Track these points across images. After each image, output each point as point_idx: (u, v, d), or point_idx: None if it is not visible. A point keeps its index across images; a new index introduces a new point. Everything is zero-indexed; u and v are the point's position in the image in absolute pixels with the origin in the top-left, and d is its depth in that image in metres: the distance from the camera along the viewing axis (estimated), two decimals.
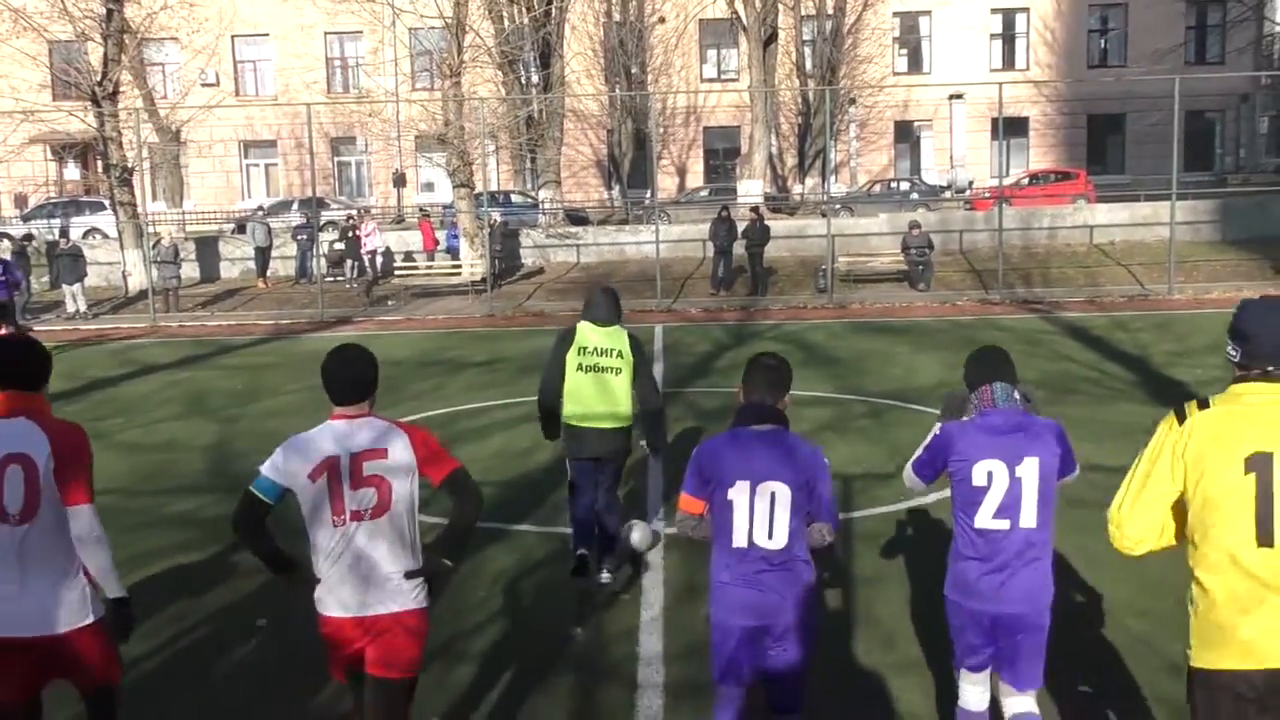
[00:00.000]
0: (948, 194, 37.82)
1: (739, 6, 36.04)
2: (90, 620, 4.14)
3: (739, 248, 26.25)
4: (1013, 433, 4.41)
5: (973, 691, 4.61)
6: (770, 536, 4.30)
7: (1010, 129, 39.31)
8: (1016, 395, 4.46)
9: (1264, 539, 3.37)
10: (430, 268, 29.12)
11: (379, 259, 28.89)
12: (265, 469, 4.28)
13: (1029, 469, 4.39)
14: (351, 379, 4.44)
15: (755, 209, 27.82)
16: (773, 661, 4.39)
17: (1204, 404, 3.62)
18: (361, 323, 23.84)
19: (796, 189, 41.91)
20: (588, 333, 7.03)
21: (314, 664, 6.08)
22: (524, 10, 32.89)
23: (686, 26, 43.87)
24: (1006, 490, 4.36)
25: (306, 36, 43.28)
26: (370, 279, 27.69)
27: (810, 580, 4.41)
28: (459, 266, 28.20)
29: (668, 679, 5.77)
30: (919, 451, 4.60)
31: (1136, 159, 42.73)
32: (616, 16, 42.67)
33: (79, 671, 4.18)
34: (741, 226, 26.27)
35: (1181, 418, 3.59)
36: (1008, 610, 4.38)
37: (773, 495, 4.29)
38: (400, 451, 4.39)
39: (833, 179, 37.07)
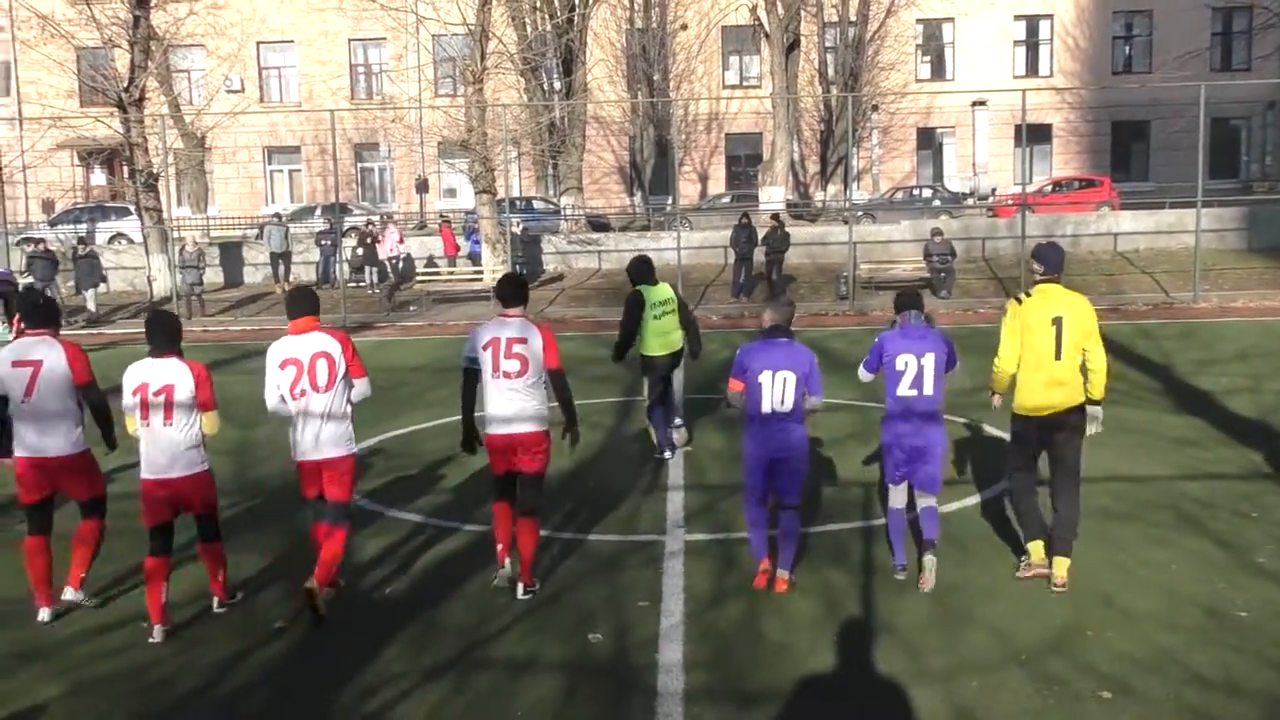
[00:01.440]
0: (970, 201, 37.66)
1: (761, 13, 36.02)
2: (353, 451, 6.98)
3: (759, 254, 26.20)
4: (919, 339, 7.15)
5: (897, 495, 7.37)
6: (783, 404, 7.00)
7: (1033, 136, 39.16)
8: (922, 317, 7.23)
9: (1057, 355, 6.87)
10: (452, 273, 29.18)
11: (400, 264, 28.97)
12: (466, 351, 7.21)
13: (929, 360, 7.09)
14: (515, 292, 7.28)
15: (776, 216, 27.77)
16: (780, 477, 7.11)
17: (1028, 294, 7.07)
18: (383, 328, 23.92)
19: (818, 195, 41.84)
20: (649, 292, 10.36)
21: (332, 666, 6.10)
22: (546, 17, 32.97)
23: (709, 33, 43.86)
24: (916, 373, 7.08)
25: (330, 43, 43.52)
26: (392, 284, 27.77)
27: (804, 432, 7.19)
28: (480, 272, 28.25)
29: (688, 687, 5.75)
30: (867, 356, 7.36)
31: (1161, 166, 42.43)
32: (639, 23, 42.71)
33: (336, 484, 6.82)
34: (762, 233, 26.23)
35: (1019, 303, 7.06)
36: (917, 444, 7.15)
37: (785, 379, 6.98)
38: (534, 340, 7.05)
39: (855, 186, 37.00)
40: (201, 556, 6.99)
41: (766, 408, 6.97)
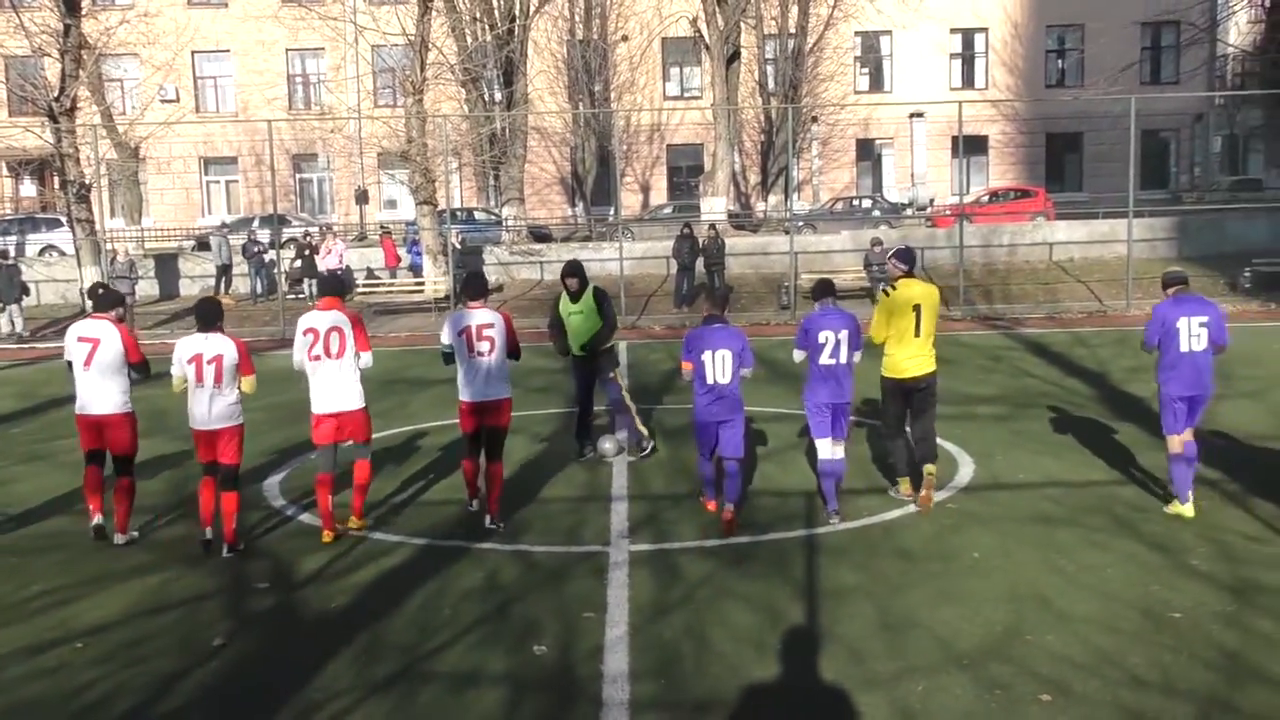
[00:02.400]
0: (909, 211, 38.09)
1: (702, 25, 36.18)
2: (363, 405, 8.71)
3: (700, 265, 26.31)
4: (835, 317, 8.71)
5: (825, 446, 8.81)
6: (723, 377, 8.57)
7: (970, 147, 39.72)
8: (833, 303, 8.90)
9: (916, 333, 8.78)
10: (393, 285, 28.97)
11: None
12: (442, 337, 9.02)
13: (843, 335, 8.62)
14: (480, 288, 9.15)
15: (713, 226, 27.92)
16: (723, 436, 8.68)
17: (893, 287, 8.92)
18: None
19: (760, 206, 42.09)
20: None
21: (274, 682, 6.01)
22: (487, 28, 32.89)
23: (649, 45, 44.00)
24: (834, 345, 8.60)
25: (267, 53, 43.03)
26: None
27: (740, 399, 8.73)
28: (422, 284, 28.07)
29: (633, 697, 5.74)
30: (797, 336, 8.89)
31: (1094, 177, 43.26)
32: (580, 35, 42.75)
33: (357, 431, 8.69)
34: (702, 243, 26.35)
35: (888, 294, 8.91)
36: (835, 401, 8.69)
37: (723, 357, 8.55)
38: (499, 325, 8.87)
39: (795, 196, 37.29)
40: (223, 501, 8.41)
41: (710, 381, 8.57)
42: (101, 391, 8.62)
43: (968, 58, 45.76)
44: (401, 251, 30.90)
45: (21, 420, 14.60)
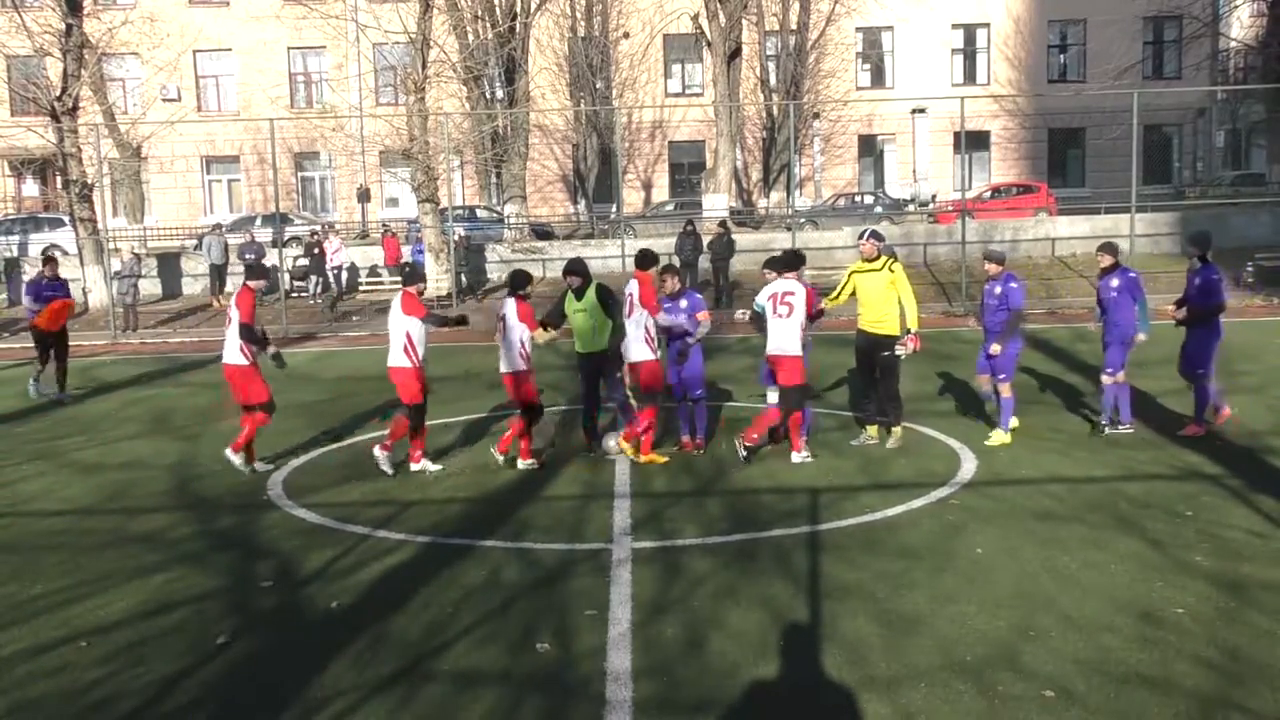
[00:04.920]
0: (911, 207, 38.09)
1: (703, 22, 36.18)
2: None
3: (704, 261, 26.29)
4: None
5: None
6: (680, 336, 10.79)
7: (972, 143, 39.76)
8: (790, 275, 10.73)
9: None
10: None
11: (344, 274, 28.72)
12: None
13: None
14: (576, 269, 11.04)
15: (722, 222, 27.91)
16: (684, 376, 10.92)
17: (861, 269, 11.01)
18: (326, 339, 23.69)
19: (761, 203, 42.09)
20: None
21: (277, 681, 6.02)
22: (489, 26, 32.88)
23: (651, 42, 43.99)
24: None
25: (269, 52, 43.06)
26: (335, 295, 27.52)
27: (699, 351, 11.00)
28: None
29: (636, 695, 5.74)
30: (759, 299, 10.82)
31: (1096, 172, 43.24)
32: (581, 32, 42.73)
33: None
34: (707, 240, 26.32)
35: (851, 274, 11.13)
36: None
37: (682, 321, 10.77)
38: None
39: (797, 193, 37.26)
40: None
41: (676, 344, 10.90)
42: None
43: (969, 53, 45.71)
44: (405, 249, 30.90)
45: (27, 419, 14.62)
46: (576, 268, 11.06)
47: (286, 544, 8.55)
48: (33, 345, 16.48)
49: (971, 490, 9.45)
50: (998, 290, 11.19)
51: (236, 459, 10.86)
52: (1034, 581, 7.16)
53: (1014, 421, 11.23)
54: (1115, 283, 11.32)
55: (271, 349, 11.12)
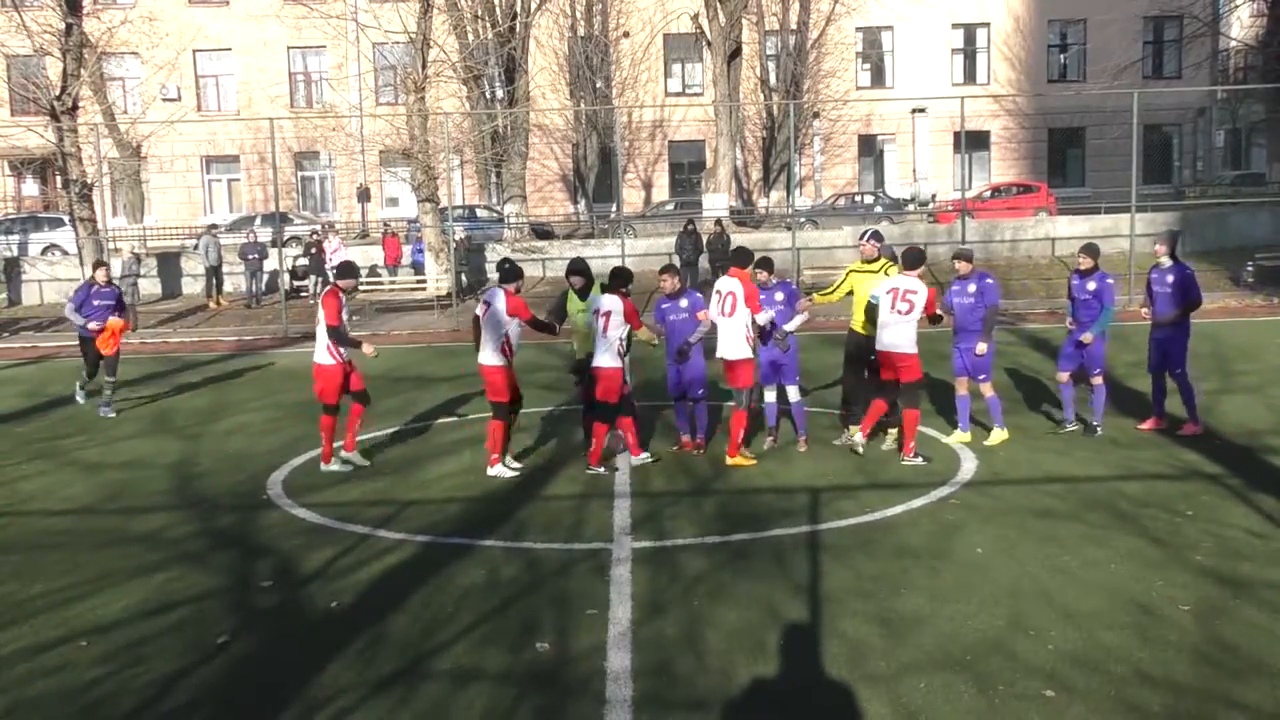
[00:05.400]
0: (911, 207, 38.08)
1: (703, 21, 36.18)
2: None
3: (703, 260, 26.30)
4: (779, 290, 11.18)
5: (769, 393, 11.16)
6: (688, 337, 10.78)
7: (972, 143, 39.75)
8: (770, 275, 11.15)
9: (871, 301, 10.71)
10: (394, 283, 28.97)
11: None
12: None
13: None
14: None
15: (719, 222, 27.90)
16: (687, 379, 10.95)
17: (860, 270, 11.19)
18: None
19: (761, 202, 42.09)
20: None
21: (277, 680, 6.02)
22: (489, 25, 32.87)
23: (651, 41, 43.99)
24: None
25: (269, 51, 43.07)
26: None
27: (700, 351, 10.91)
28: (424, 281, 28.08)
29: (636, 694, 5.74)
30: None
31: (1096, 172, 43.24)
32: (581, 31, 42.73)
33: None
34: (707, 239, 26.33)
35: (849, 273, 11.33)
36: (775, 359, 10.84)
37: (683, 320, 10.87)
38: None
39: (797, 192, 37.26)
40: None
41: (675, 343, 10.88)
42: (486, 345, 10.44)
43: (969, 53, 45.71)
44: (405, 249, 30.89)
45: (27, 419, 14.62)
46: (579, 268, 11.05)
47: (286, 543, 8.55)
48: (78, 351, 15.40)
49: (971, 489, 9.45)
50: (971, 289, 11.04)
51: (354, 455, 10.95)
52: (1033, 580, 7.16)
53: (964, 434, 11.24)
54: (1092, 285, 11.29)
55: (368, 348, 11.04)
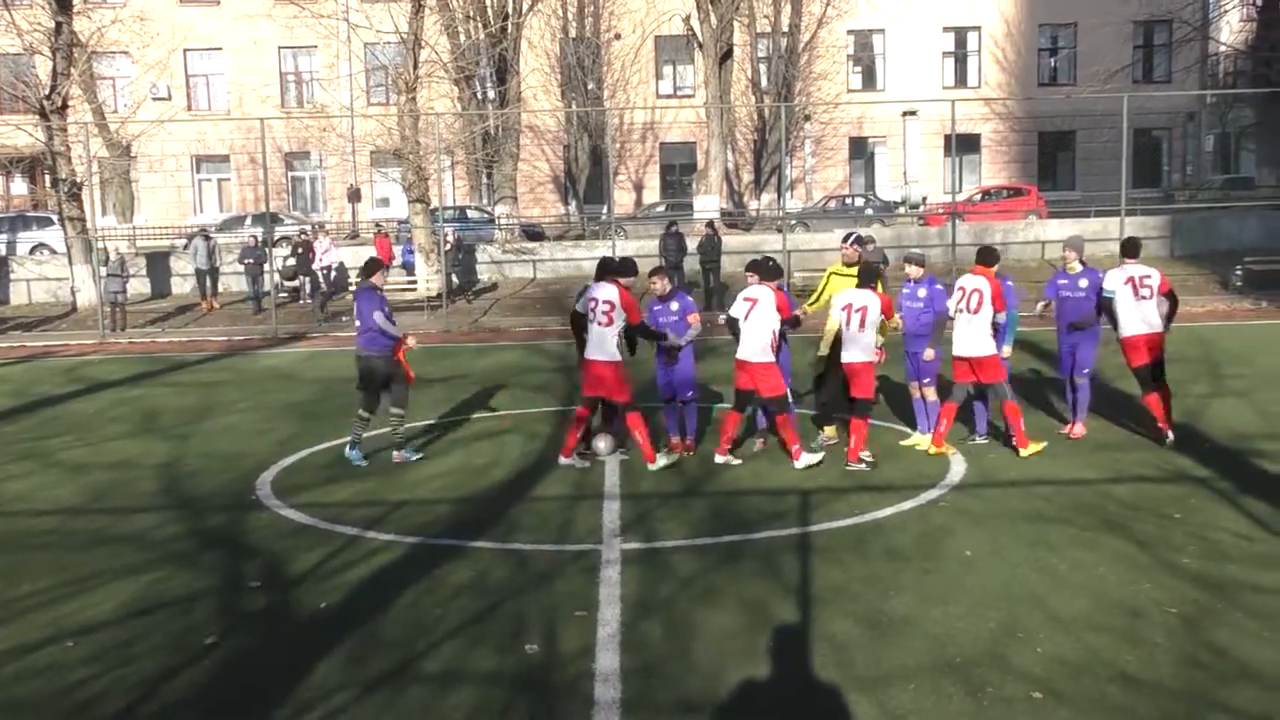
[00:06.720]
0: (901, 210, 38.15)
1: (695, 23, 36.20)
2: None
3: (693, 262, 26.30)
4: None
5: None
6: (678, 339, 10.74)
7: (963, 146, 39.81)
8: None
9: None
10: (385, 283, 28.84)
11: (333, 274, 28.63)
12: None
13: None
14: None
15: (710, 223, 27.91)
16: (675, 378, 10.86)
17: (840, 272, 11.27)
18: (316, 339, 23.65)
19: (752, 204, 42.14)
20: None
21: (265, 681, 6.00)
22: (480, 26, 32.86)
23: (643, 43, 44.02)
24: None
25: (260, 51, 43.01)
26: (325, 295, 27.45)
27: (690, 353, 10.89)
28: (414, 282, 28.04)
29: (625, 696, 5.74)
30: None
31: (1086, 175, 43.37)
32: (573, 33, 42.74)
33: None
34: (693, 241, 26.34)
35: (829, 276, 11.45)
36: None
37: (673, 322, 10.76)
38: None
39: (788, 194, 37.30)
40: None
41: (668, 344, 10.79)
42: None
43: (960, 56, 45.84)
44: (395, 249, 30.82)
45: (13, 419, 14.57)
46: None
47: (275, 544, 8.52)
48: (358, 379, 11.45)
49: (960, 492, 9.46)
50: (921, 293, 11.13)
51: (601, 444, 10.87)
52: (1022, 582, 7.17)
53: (923, 437, 11.13)
54: (1084, 283, 11.33)
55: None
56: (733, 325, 10.56)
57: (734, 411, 10.60)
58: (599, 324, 10.32)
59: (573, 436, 10.69)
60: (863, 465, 10.29)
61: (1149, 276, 10.78)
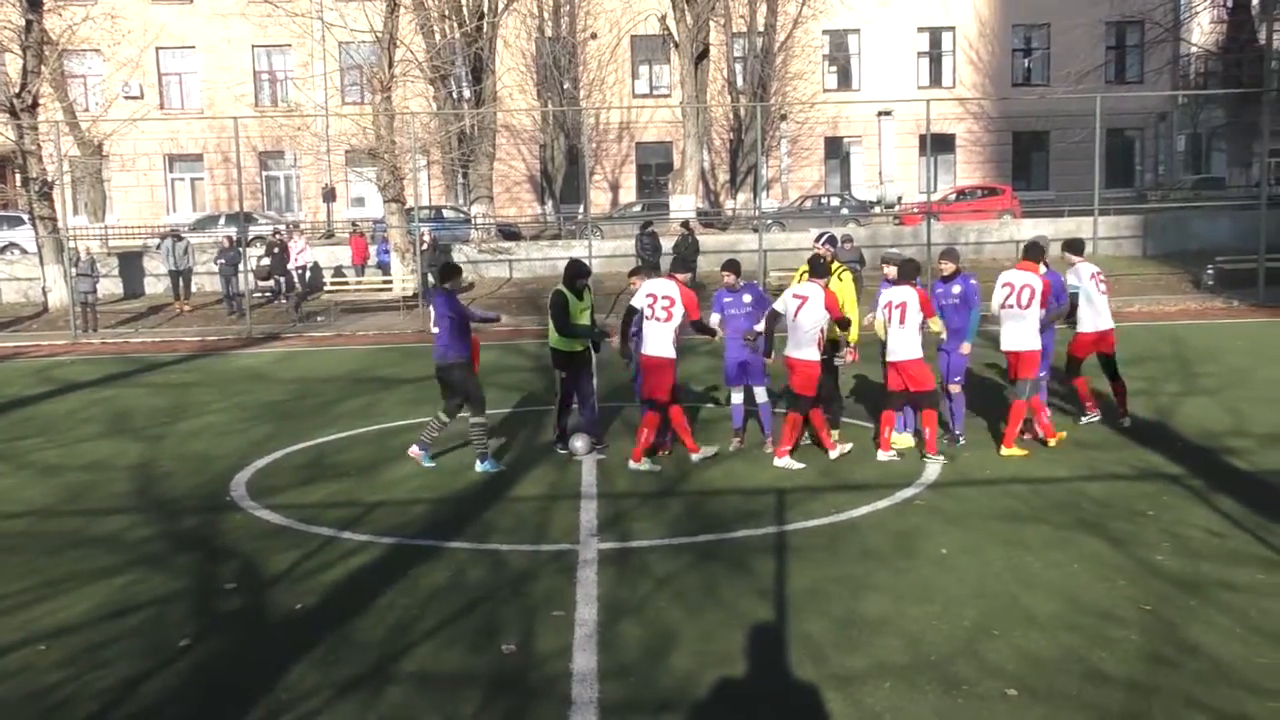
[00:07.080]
0: (877, 209, 38.29)
1: (671, 23, 36.21)
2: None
3: (669, 262, 26.32)
4: (744, 290, 11.15)
5: (736, 395, 11.29)
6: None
7: (937, 145, 40.00)
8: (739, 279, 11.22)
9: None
10: (360, 283, 28.80)
11: (308, 274, 28.49)
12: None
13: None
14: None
15: (685, 223, 27.93)
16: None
17: (839, 279, 10.91)
18: (291, 339, 23.53)
19: (729, 204, 42.17)
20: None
21: (240, 683, 5.97)
22: (455, 25, 32.77)
23: (619, 42, 43.99)
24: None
25: (233, 49, 42.75)
26: (300, 294, 27.31)
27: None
28: (390, 282, 27.94)
29: (602, 696, 5.74)
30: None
31: (1060, 175, 43.64)
32: (549, 32, 42.67)
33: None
34: (669, 240, 26.36)
35: (800, 273, 10.72)
36: (743, 359, 10.92)
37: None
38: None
39: (764, 194, 37.36)
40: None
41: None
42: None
43: (935, 56, 46.04)
44: (372, 249, 30.69)
45: None
46: (584, 269, 11.23)
47: (250, 545, 8.48)
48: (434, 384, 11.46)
49: (936, 491, 9.50)
50: (956, 290, 11.23)
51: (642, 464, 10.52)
52: (998, 581, 7.21)
53: (904, 439, 11.06)
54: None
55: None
56: (771, 322, 10.61)
57: (792, 412, 10.52)
58: (659, 319, 10.37)
59: (646, 438, 10.48)
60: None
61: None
